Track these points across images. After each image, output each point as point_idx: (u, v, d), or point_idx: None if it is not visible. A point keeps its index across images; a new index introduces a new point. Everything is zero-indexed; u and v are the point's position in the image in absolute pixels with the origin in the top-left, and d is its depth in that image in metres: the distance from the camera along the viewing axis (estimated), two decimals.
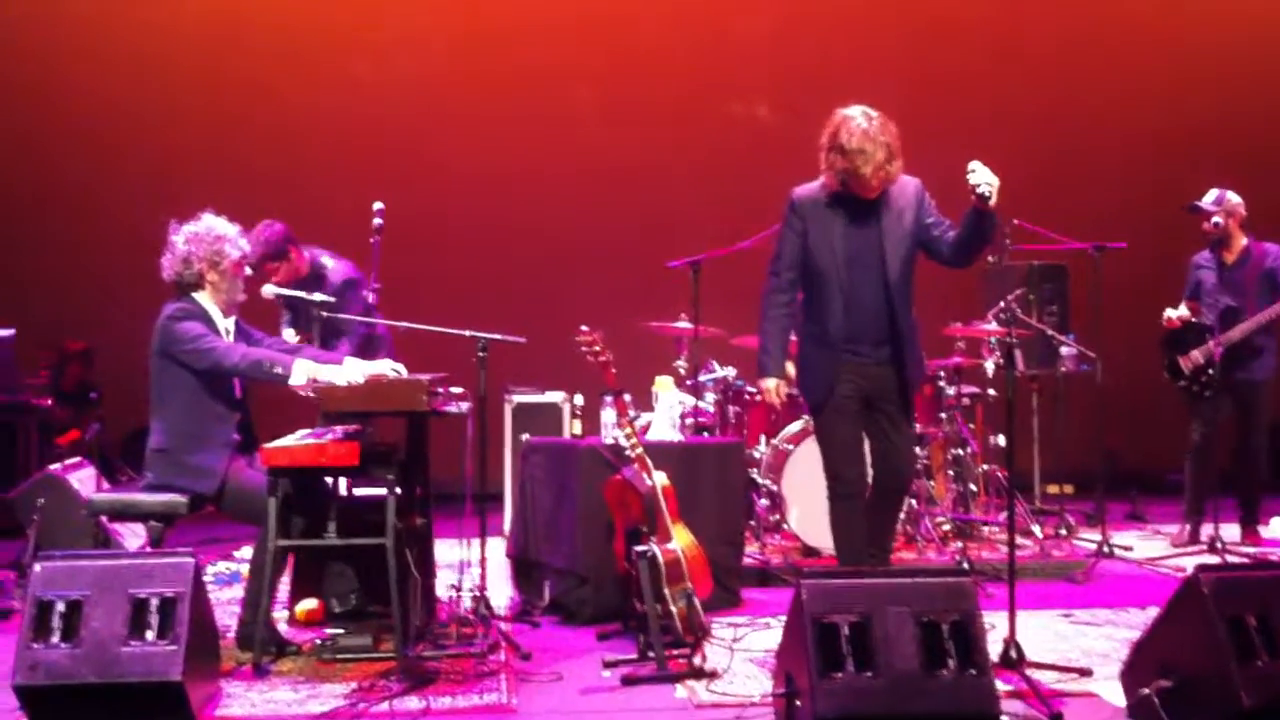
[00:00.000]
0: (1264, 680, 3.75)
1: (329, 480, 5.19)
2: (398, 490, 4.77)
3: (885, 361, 5.19)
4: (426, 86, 9.87)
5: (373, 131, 9.72)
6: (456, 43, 9.92)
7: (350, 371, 4.94)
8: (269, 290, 5.64)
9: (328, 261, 6.50)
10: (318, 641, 5.09)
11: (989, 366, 7.54)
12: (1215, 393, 7.18)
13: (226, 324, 5.20)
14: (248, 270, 5.35)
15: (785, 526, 6.88)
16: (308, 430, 5.14)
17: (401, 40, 9.93)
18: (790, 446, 6.90)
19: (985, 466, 7.58)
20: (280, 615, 5.45)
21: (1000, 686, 4.10)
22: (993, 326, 7.23)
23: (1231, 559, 6.70)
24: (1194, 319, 7.32)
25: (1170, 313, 7.36)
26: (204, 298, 5.14)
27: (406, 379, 5.03)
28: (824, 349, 5.16)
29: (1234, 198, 7.30)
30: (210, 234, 5.15)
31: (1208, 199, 7.29)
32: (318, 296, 5.86)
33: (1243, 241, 7.32)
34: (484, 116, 9.83)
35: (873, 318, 5.13)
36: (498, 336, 5.28)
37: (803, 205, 5.19)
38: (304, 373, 4.90)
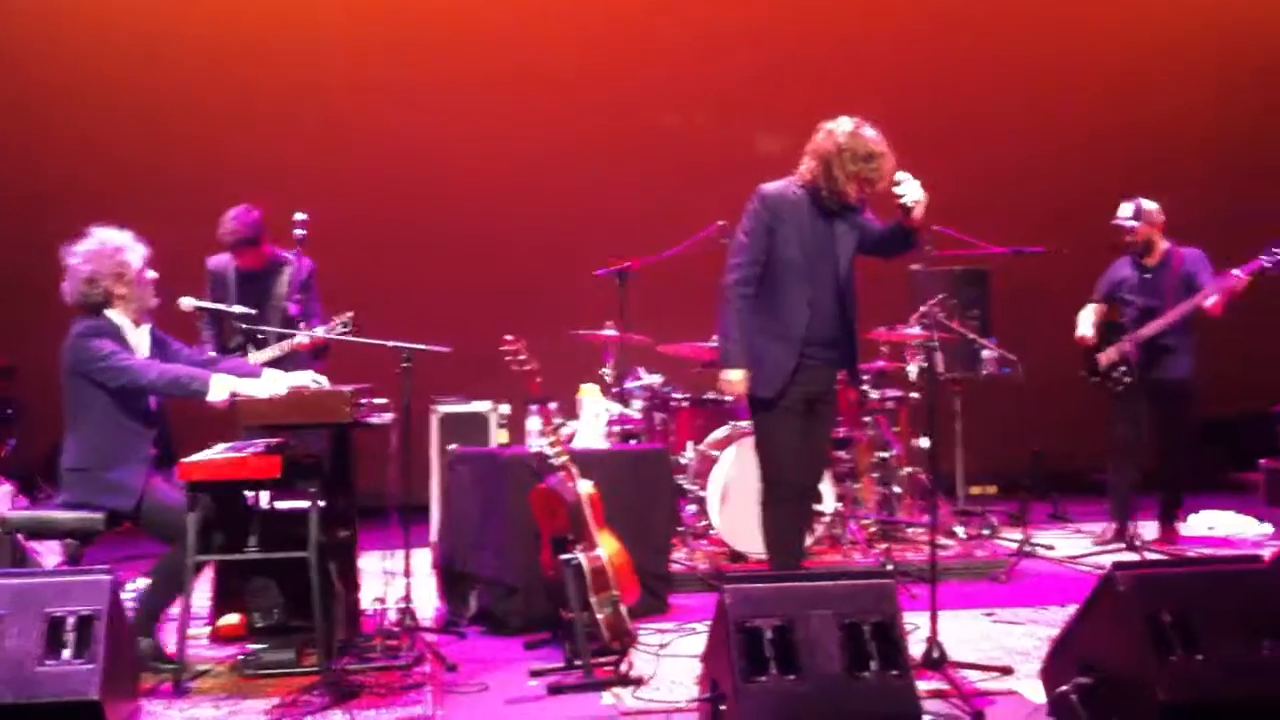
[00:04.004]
0: (1181, 676, 3.80)
1: (251, 494, 5.13)
2: (321, 503, 4.73)
3: (834, 363, 5.35)
4: (355, 93, 9.75)
5: (299, 139, 9.58)
6: (388, 50, 9.80)
7: (271, 384, 4.88)
8: (186, 303, 5.57)
9: (289, 256, 6.47)
10: (240, 657, 5.02)
11: (912, 370, 7.61)
12: (1132, 391, 7.28)
13: (139, 335, 5.11)
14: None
15: (713, 532, 6.90)
16: (229, 444, 5.09)
17: (334, 46, 9.78)
18: (717, 452, 6.92)
19: (909, 469, 7.66)
20: (202, 631, 5.40)
21: (923, 686, 4.17)
22: (916, 331, 7.31)
23: (1150, 556, 6.82)
24: (1111, 320, 7.42)
25: (1085, 331, 7.45)
26: (114, 314, 5.04)
27: (328, 390, 4.99)
28: (785, 346, 5.22)
29: (1149, 205, 7.37)
30: (108, 247, 5.05)
31: (1125, 212, 7.32)
32: (237, 309, 5.80)
33: (1164, 246, 7.39)
34: (410, 124, 9.74)
35: (829, 317, 5.27)
36: (421, 346, 5.25)
37: (772, 200, 5.26)
38: (223, 388, 4.84)
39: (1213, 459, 8.63)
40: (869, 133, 5.14)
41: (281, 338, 6.14)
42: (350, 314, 5.99)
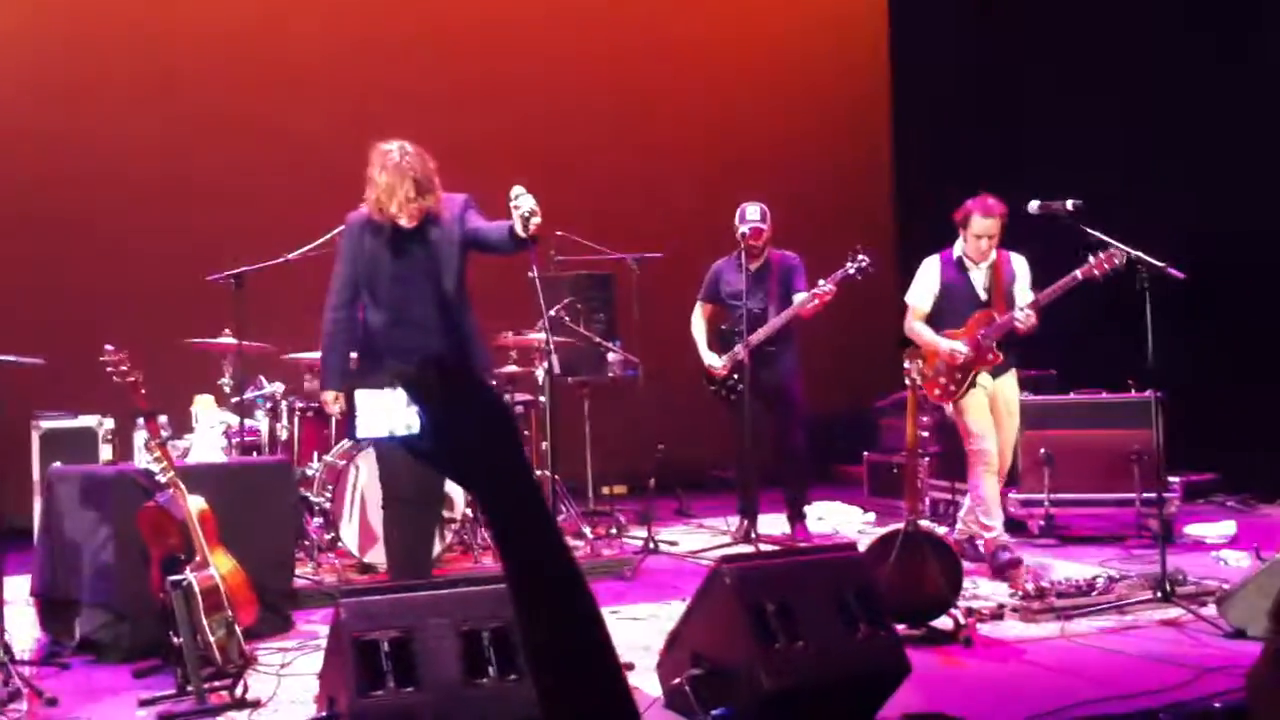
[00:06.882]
0: (783, 663, 4.01)
1: None
2: None
3: None
4: None
5: None
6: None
7: None
8: None
9: None
10: None
11: (540, 374, 7.70)
12: (742, 394, 7.56)
13: None
14: None
15: (340, 544, 6.76)
16: None
17: None
18: (343, 463, 6.78)
19: (539, 472, 7.73)
20: None
21: None
22: (540, 335, 7.39)
23: (765, 549, 7.15)
24: (724, 327, 7.72)
25: (712, 361, 7.68)
26: None
27: None
28: (377, 360, 5.43)
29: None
30: None
31: (754, 215, 7.48)
32: None
33: (767, 250, 7.73)
34: (19, 111, 8.93)
35: (427, 330, 5.43)
36: (10, 358, 4.88)
37: (354, 227, 5.54)
38: None
39: (821, 453, 9.13)
40: (391, 157, 5.32)
41: None
42: None
